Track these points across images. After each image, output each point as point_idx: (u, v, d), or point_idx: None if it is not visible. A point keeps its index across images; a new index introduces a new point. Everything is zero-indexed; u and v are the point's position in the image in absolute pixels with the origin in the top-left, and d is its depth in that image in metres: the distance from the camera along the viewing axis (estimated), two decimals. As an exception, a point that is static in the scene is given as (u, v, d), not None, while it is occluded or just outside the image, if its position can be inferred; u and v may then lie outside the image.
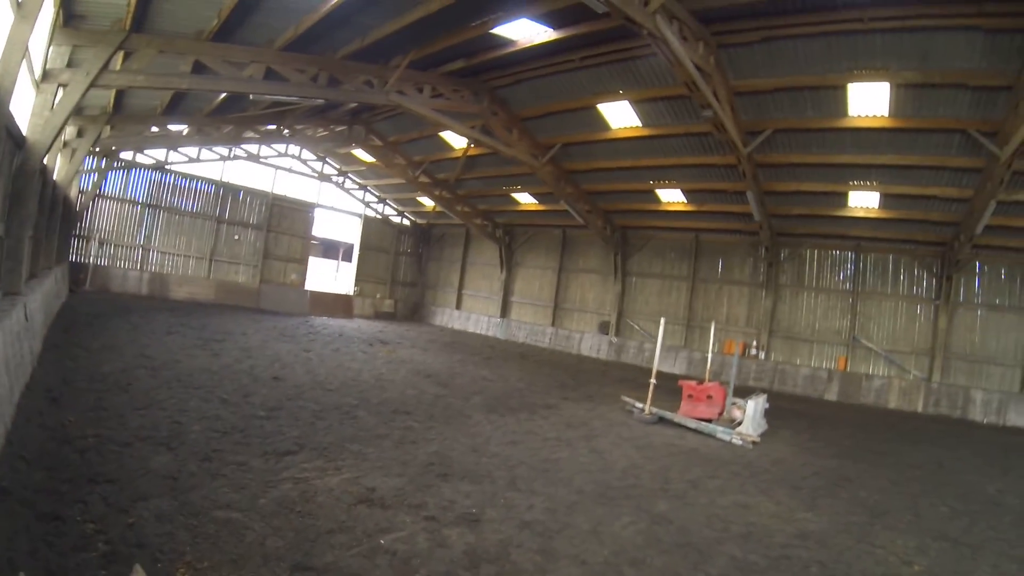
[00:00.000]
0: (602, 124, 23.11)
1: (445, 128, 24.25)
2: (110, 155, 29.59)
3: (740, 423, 14.96)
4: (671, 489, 9.94)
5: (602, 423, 14.93)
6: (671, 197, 27.57)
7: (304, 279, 39.66)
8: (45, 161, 14.49)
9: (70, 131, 20.90)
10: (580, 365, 28.36)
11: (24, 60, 10.82)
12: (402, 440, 10.94)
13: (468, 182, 33.59)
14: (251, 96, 18.61)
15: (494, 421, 13.60)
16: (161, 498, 6.85)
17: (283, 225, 38.00)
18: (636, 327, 32.42)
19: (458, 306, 42.70)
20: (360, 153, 34.23)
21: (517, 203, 34.54)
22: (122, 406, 10.57)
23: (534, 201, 33.29)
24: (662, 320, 18.25)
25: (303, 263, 39.50)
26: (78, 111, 20.77)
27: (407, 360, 22.17)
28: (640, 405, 16.43)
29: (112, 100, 20.56)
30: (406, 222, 45.08)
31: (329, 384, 15.44)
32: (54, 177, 19.00)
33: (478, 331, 39.63)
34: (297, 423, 11.15)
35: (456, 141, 28.57)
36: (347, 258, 60.52)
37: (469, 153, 28.54)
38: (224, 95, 21.89)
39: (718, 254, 30.45)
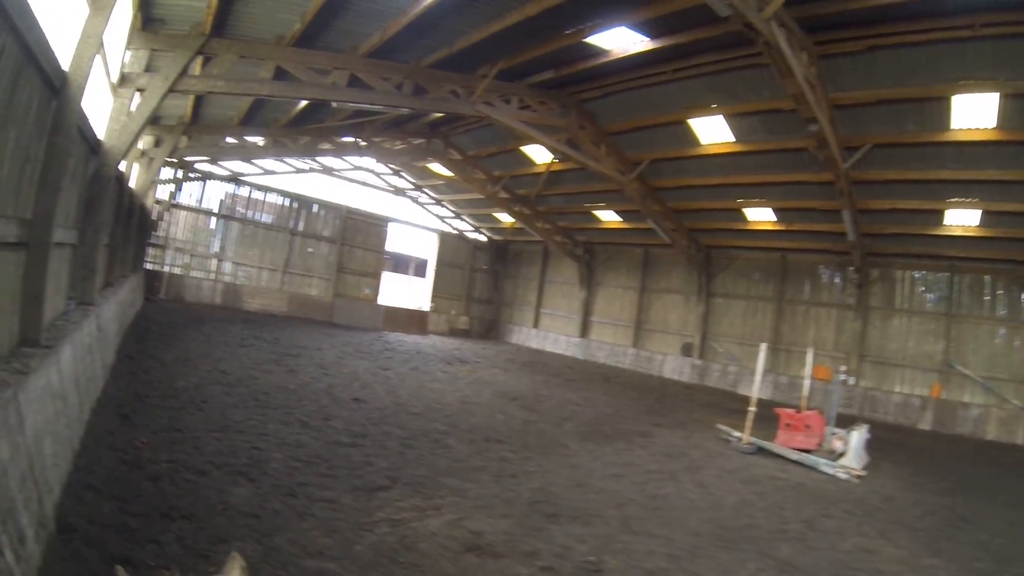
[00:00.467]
0: (692, 140, 22.23)
1: (531, 141, 23.73)
2: (186, 166, 29.72)
3: (842, 455, 14.02)
4: (788, 530, 9.16)
5: (700, 453, 14.12)
6: (759, 216, 26.66)
7: (377, 294, 39.49)
8: (121, 168, 14.33)
9: (147, 140, 20.88)
10: (664, 388, 27.41)
11: (100, 58, 10.54)
12: (500, 473, 10.20)
13: (549, 198, 32.92)
14: (334, 104, 18.30)
15: (591, 451, 12.84)
16: (244, 541, 6.14)
17: (357, 239, 37.93)
18: (720, 349, 31.38)
19: (535, 325, 42.02)
20: (437, 167, 33.78)
21: (599, 221, 33.81)
22: (197, 427, 10.04)
23: (617, 219, 32.51)
24: (763, 347, 17.07)
25: (377, 277, 39.37)
26: (155, 120, 20.70)
27: (489, 381, 21.62)
28: (737, 434, 15.59)
29: (190, 110, 20.39)
30: (482, 238, 44.72)
31: (413, 407, 14.81)
32: (131, 185, 18.89)
33: (556, 351, 38.69)
34: (385, 452, 10.46)
35: (538, 156, 27.91)
36: (418, 273, 60.60)
37: (552, 168, 27.88)
38: (302, 105, 21.57)
39: (806, 275, 29.32)
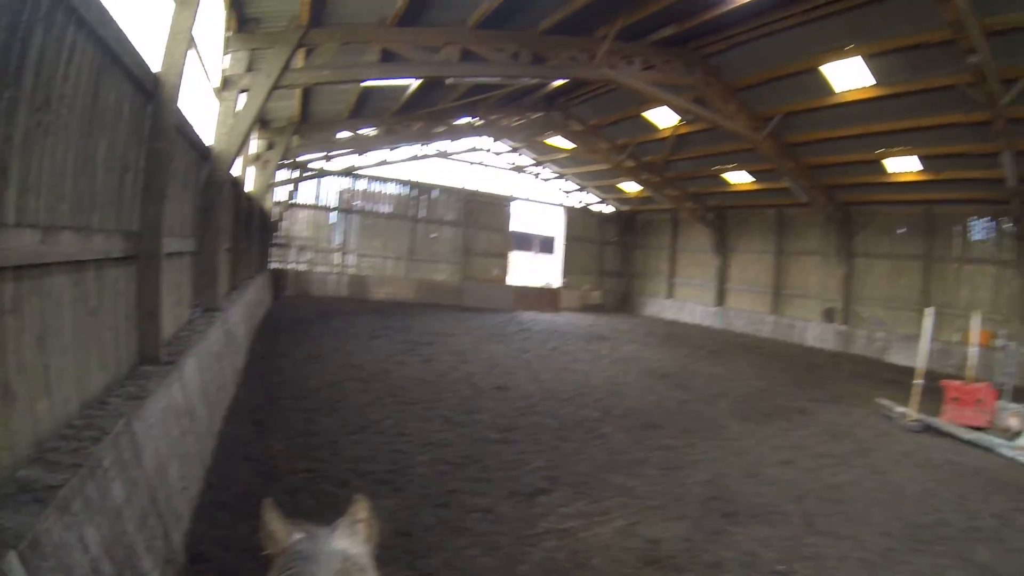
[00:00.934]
0: (826, 88, 20.43)
1: (656, 105, 23.13)
2: (301, 166, 30.22)
3: (1018, 434, 12.46)
4: (981, 528, 8.06)
5: (866, 432, 12.92)
6: (902, 166, 24.43)
7: (506, 274, 39.33)
8: (235, 172, 14.36)
9: (260, 144, 21.08)
10: (809, 358, 25.53)
11: (199, 63, 10.48)
12: (665, 465, 9.56)
13: (676, 164, 31.56)
14: (448, 82, 17.79)
15: (753, 432, 12.11)
16: (395, 565, 5.64)
17: (481, 220, 37.87)
18: (865, 314, 29.16)
19: (669, 295, 40.65)
20: (558, 141, 33.15)
21: (729, 183, 32.20)
22: (334, 430, 9.86)
23: (749, 180, 30.84)
24: (929, 312, 15.13)
25: (504, 258, 39.27)
26: (264, 123, 20.95)
27: (632, 358, 20.92)
28: (901, 409, 14.16)
29: (298, 109, 20.33)
30: (609, 210, 43.73)
31: (560, 392, 14.35)
32: (247, 189, 19.13)
33: (692, 321, 37.00)
34: (539, 447, 9.97)
35: (662, 120, 26.84)
36: (545, 250, 60.01)
37: (678, 132, 26.73)
38: (412, 90, 21.24)
39: (956, 229, 26.42)
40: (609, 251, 44.04)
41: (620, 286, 44.13)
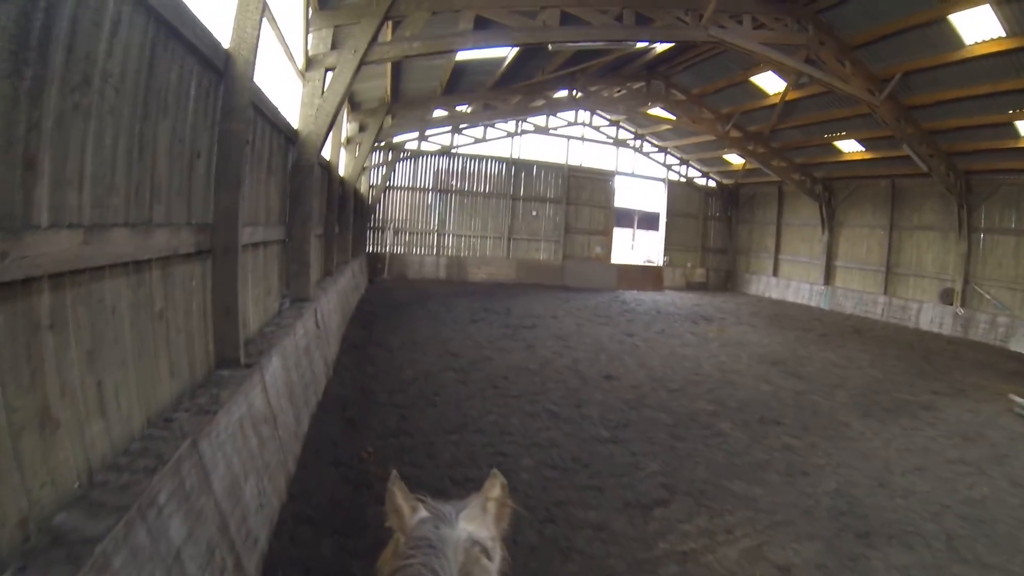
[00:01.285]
0: (954, 41, 18.50)
1: (763, 69, 22.26)
2: (395, 148, 30.09)
3: None
4: None
5: (999, 434, 11.50)
6: None
7: (609, 251, 38.40)
8: (326, 156, 13.96)
9: (351, 127, 20.77)
10: (925, 343, 23.39)
11: (279, 42, 10.10)
12: (789, 471, 8.74)
13: (783, 132, 30.13)
14: (549, 47, 16.79)
15: (877, 431, 11.03)
16: None
17: (582, 197, 36.96)
18: (987, 296, 26.58)
19: (775, 273, 38.95)
20: (659, 112, 31.82)
21: (839, 153, 30.54)
22: (430, 428, 9.36)
23: (860, 149, 29.15)
24: None
25: (607, 235, 38.21)
26: (356, 106, 20.60)
27: (741, 341, 19.97)
28: None
29: (389, 88, 19.92)
30: (712, 184, 42.23)
31: (671, 382, 13.61)
32: (340, 173, 18.76)
33: (798, 300, 35.45)
34: (653, 447, 9.29)
35: (769, 86, 25.64)
36: (647, 226, 58.73)
37: (788, 97, 25.33)
38: (508, 62, 20.58)
39: None
40: (713, 227, 42.49)
41: (724, 263, 42.67)
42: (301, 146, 10.29)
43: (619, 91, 27.23)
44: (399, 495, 1.96)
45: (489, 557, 1.81)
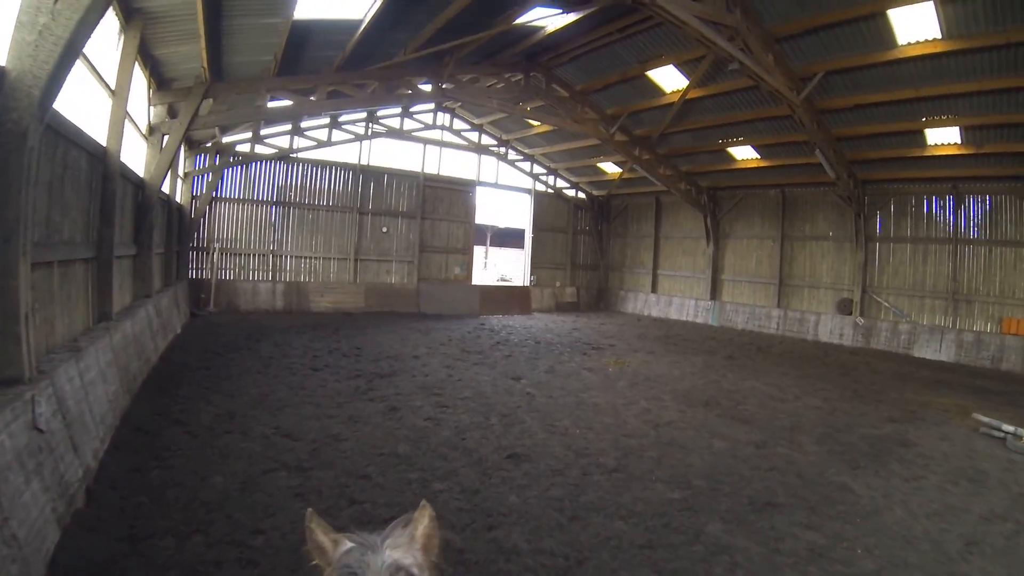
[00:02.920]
0: (887, 39, 17.34)
1: (663, 63, 20.90)
2: (224, 151, 25.38)
3: None
4: None
5: (995, 466, 10.41)
6: (941, 138, 21.68)
7: (470, 272, 34.61)
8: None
9: (157, 112, 16.23)
10: (833, 356, 22.92)
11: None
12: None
13: (673, 137, 27.70)
14: None
15: (883, 490, 9.04)
16: None
17: (439, 210, 32.87)
18: (886, 304, 26.37)
19: (653, 289, 36.79)
20: (531, 113, 28.70)
21: (731, 160, 28.52)
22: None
23: (754, 156, 27.34)
24: None
25: (467, 253, 34.27)
26: (165, 82, 16.44)
27: (649, 376, 17.15)
28: (1009, 428, 11.78)
29: (206, 60, 14.99)
30: (581, 195, 39.05)
31: (602, 455, 10.01)
32: (143, 176, 14.88)
33: (683, 317, 34.00)
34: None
35: (669, 82, 23.14)
36: (499, 243, 55.82)
37: (690, 96, 22.66)
38: (362, 28, 15.85)
39: (995, 209, 23.58)
40: (583, 242, 39.71)
41: (595, 281, 40.10)
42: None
43: (495, 83, 23.17)
44: (318, 531, 1.96)
45: None
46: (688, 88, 22.04)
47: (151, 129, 16.04)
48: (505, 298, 34.09)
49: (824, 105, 21.07)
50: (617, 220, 39.71)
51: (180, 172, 23.78)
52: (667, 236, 36.50)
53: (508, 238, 56.85)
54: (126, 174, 12.91)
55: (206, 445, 9.29)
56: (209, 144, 24.72)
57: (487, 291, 33.80)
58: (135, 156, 15.08)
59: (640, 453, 10.17)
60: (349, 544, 1.88)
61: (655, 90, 23.91)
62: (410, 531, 1.99)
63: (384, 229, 30.93)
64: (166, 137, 16.04)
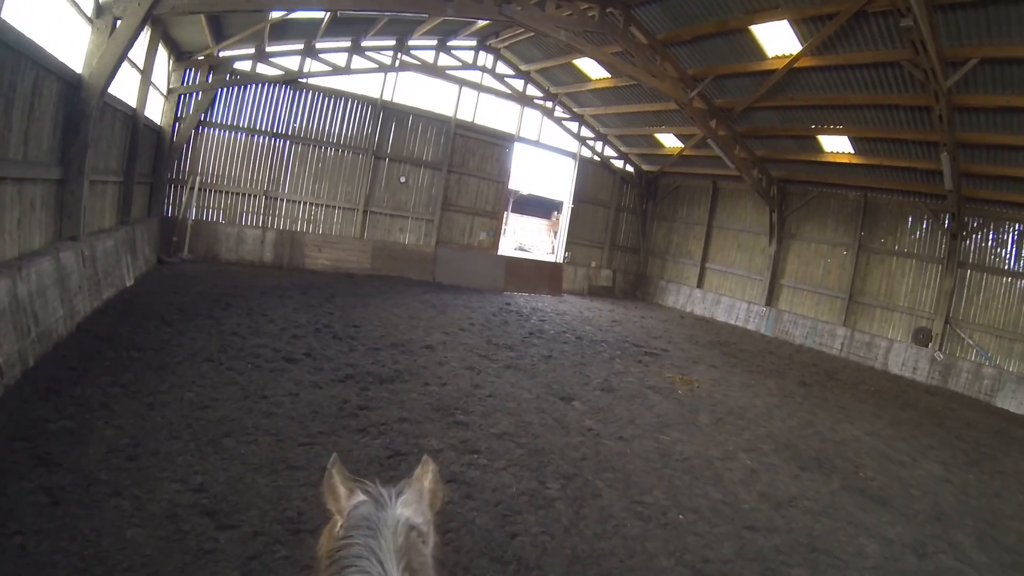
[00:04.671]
0: (757, 51, 18.87)
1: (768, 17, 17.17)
2: (219, 67, 21.19)
3: None
4: None
5: None
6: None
7: (497, 240, 30.46)
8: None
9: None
10: (915, 397, 19.28)
11: None
12: None
13: (758, 114, 23.81)
14: None
15: None
16: None
17: (469, 164, 28.52)
18: (969, 340, 22.31)
19: (699, 284, 32.59)
20: (585, 65, 25.25)
21: (819, 151, 24.64)
22: None
23: (846, 150, 23.51)
24: None
25: (496, 217, 30.07)
26: None
27: (727, 405, 13.66)
28: None
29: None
30: (630, 168, 34.61)
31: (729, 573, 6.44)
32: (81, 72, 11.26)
33: (731, 320, 30.00)
34: None
35: (774, 44, 19.07)
36: (517, 209, 52.41)
37: (798, 64, 18.75)
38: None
39: None
40: (625, 220, 35.30)
41: (633, 266, 35.80)
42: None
43: (565, 11, 18.52)
44: (337, 477, 1.94)
45: (424, 542, 1.83)
46: (800, 54, 18.15)
47: (98, 9, 11.78)
48: (534, 274, 30.22)
49: (963, 101, 17.14)
50: (665, 201, 35.36)
51: (163, 87, 19.90)
52: (721, 226, 32.36)
53: (530, 206, 53.08)
54: (39, 58, 8.78)
55: (63, 532, 5.15)
56: (202, 57, 20.56)
57: (514, 264, 29.86)
58: (74, 45, 11.41)
59: (783, 568, 6.70)
60: (362, 496, 1.84)
61: (755, 51, 19.78)
62: (417, 488, 1.95)
63: (402, 179, 26.67)
64: (119, 22, 11.70)
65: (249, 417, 8.30)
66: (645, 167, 34.55)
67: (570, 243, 33.10)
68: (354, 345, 13.21)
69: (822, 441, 12.08)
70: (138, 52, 15.80)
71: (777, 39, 18.66)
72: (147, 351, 10.39)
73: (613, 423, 10.89)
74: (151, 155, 19.51)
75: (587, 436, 9.94)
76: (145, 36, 16.06)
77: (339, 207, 25.21)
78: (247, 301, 15.89)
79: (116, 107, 14.36)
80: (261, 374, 10.20)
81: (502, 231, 30.65)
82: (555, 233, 56.34)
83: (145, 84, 16.60)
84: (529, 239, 51.09)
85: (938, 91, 15.87)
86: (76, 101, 11.06)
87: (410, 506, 1.84)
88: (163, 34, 17.71)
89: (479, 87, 28.29)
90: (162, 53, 18.80)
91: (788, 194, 28.71)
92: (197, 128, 21.80)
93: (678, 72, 21.64)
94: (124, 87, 15.10)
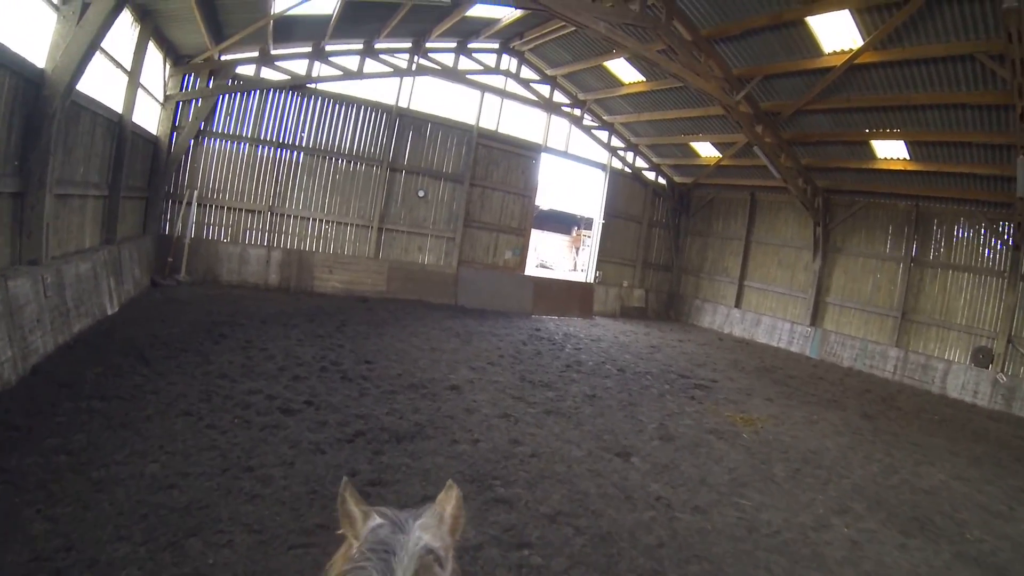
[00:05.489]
0: (812, 47, 17.49)
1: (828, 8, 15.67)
2: (220, 72, 19.60)
3: None
4: None
5: None
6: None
7: (525, 259, 28.51)
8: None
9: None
10: (982, 425, 17.43)
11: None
12: None
13: (807, 118, 21.92)
14: None
15: None
16: None
17: (493, 176, 26.57)
18: None
19: (738, 303, 30.71)
20: (617, 67, 23.53)
21: (870, 158, 22.80)
22: None
23: (901, 156, 21.66)
24: None
25: (523, 235, 28.08)
26: None
27: (797, 449, 11.94)
28: None
29: None
30: (661, 181, 32.68)
31: None
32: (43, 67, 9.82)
33: (772, 342, 28.09)
34: None
35: (833, 39, 17.41)
36: (536, 224, 51.12)
37: (859, 60, 17.05)
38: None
39: None
40: (656, 237, 33.29)
41: (665, 284, 33.87)
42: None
43: (607, 1, 16.75)
44: (351, 501, 1.88)
45: (442, 566, 1.76)
46: (863, 48, 16.47)
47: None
48: (563, 296, 28.24)
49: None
50: (699, 215, 33.44)
51: (159, 94, 18.39)
52: (760, 241, 30.45)
53: (549, 221, 51.38)
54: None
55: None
56: (201, 61, 18.92)
57: (542, 285, 27.93)
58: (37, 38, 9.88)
59: None
60: (379, 519, 1.78)
61: (810, 46, 18.03)
62: (438, 512, 1.90)
63: (421, 193, 24.80)
64: (90, 8, 9.93)
65: (226, 502, 6.36)
66: (678, 179, 32.66)
67: (601, 261, 31.20)
68: (366, 388, 11.33)
69: (912, 492, 10.46)
70: (125, 52, 14.44)
71: (836, 33, 17.00)
72: (112, 401, 8.53)
73: (683, 485, 9.01)
74: (145, 167, 17.98)
75: (657, 509, 8.01)
76: (133, 34, 14.76)
77: (351, 224, 23.34)
78: (245, 331, 14.07)
79: (96, 111, 12.81)
80: (249, 433, 8.28)
81: (529, 249, 28.70)
82: (577, 249, 55.15)
83: (133, 87, 14.96)
84: (551, 256, 49.89)
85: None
86: (37, 100, 9.46)
87: (429, 530, 1.76)
88: (156, 33, 16.22)
89: (503, 93, 26.46)
90: (156, 56, 17.37)
91: (832, 205, 26.86)
92: (197, 138, 20.12)
93: (723, 72, 19.79)
94: (109, 91, 13.74)
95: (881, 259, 25.44)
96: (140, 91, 15.55)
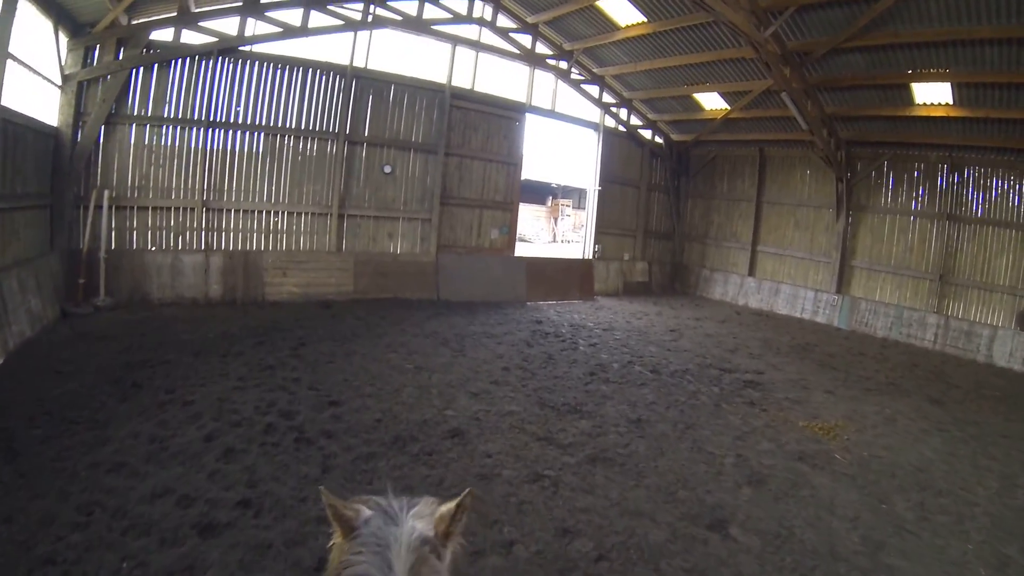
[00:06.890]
0: None
1: None
2: (131, 38, 16.27)
3: None
4: None
5: None
6: None
7: (513, 238, 25.67)
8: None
9: None
10: None
11: None
12: None
13: (838, 59, 19.65)
14: None
15: None
16: None
17: (472, 143, 23.52)
18: None
19: (751, 271, 28.60)
20: (613, 7, 20.86)
21: (908, 104, 20.65)
22: None
23: (943, 101, 19.62)
24: None
25: (510, 209, 25.22)
26: None
27: (905, 471, 9.80)
28: None
29: None
30: (658, 139, 29.99)
31: None
32: None
33: (795, 312, 26.09)
34: None
35: None
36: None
37: None
38: None
39: None
40: (655, 202, 30.77)
41: (667, 254, 31.53)
42: None
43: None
44: (338, 506, 1.88)
45: (439, 556, 1.78)
46: None
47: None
48: (561, 276, 25.91)
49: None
50: (700, 176, 31.07)
51: (56, 76, 15.12)
52: (772, 201, 28.13)
53: (524, 192, 48.91)
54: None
55: None
56: (105, 29, 15.69)
57: (537, 266, 25.26)
58: None
59: None
60: (368, 512, 1.80)
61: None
62: (436, 500, 1.92)
63: (387, 168, 21.64)
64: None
65: None
66: (676, 136, 30.08)
67: (599, 233, 28.59)
68: (331, 455, 8.16)
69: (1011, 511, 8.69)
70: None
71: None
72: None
73: (816, 568, 6.48)
74: (42, 167, 14.60)
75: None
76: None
77: (306, 213, 20.14)
78: (169, 374, 10.82)
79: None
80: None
81: (518, 227, 25.85)
82: (555, 219, 53.08)
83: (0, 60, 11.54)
84: (529, 228, 48.52)
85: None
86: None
87: (423, 519, 1.78)
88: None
89: (477, 45, 23.41)
90: (44, 25, 14.16)
91: (854, 158, 24.75)
92: (107, 125, 16.73)
93: (749, 2, 16.86)
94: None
95: (911, 216, 23.69)
96: (21, 69, 12.40)
